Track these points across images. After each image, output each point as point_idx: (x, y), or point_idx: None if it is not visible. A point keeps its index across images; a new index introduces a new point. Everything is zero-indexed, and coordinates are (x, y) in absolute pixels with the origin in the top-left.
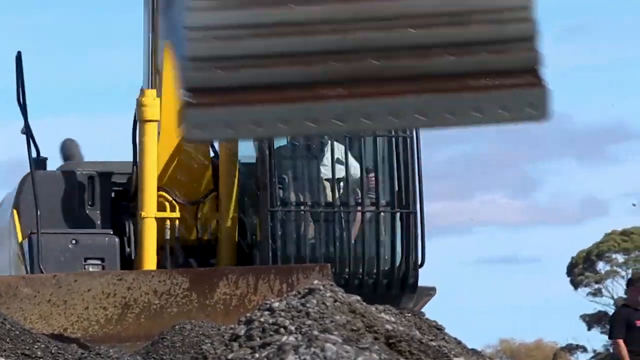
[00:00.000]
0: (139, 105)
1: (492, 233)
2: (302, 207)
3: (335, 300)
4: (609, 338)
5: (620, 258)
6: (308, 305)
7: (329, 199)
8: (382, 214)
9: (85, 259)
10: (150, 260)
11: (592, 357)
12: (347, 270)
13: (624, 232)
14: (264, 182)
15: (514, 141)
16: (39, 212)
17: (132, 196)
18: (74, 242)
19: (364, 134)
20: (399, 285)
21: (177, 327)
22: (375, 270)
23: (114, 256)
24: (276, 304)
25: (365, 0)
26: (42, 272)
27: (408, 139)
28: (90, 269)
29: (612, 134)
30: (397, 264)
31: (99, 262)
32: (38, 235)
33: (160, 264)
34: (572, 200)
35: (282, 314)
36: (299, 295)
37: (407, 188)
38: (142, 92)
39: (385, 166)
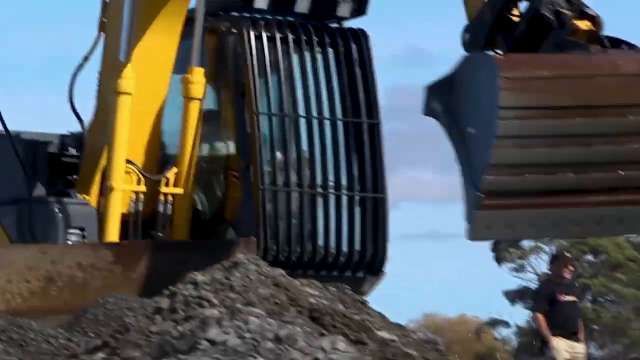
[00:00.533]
0: (116, 77)
1: (417, 209)
2: (287, 187)
3: (260, 274)
4: (531, 311)
5: None
6: (232, 278)
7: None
8: (351, 197)
9: (67, 228)
10: (113, 232)
11: (515, 332)
12: (319, 251)
13: None
14: (252, 160)
15: None
16: (30, 181)
17: (80, 166)
18: (56, 210)
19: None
20: (367, 268)
21: (100, 300)
22: (347, 253)
23: (93, 226)
24: (200, 278)
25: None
26: (34, 240)
27: (375, 125)
28: (73, 239)
29: None
30: (367, 247)
31: (79, 231)
32: (30, 204)
33: (122, 236)
34: None
35: (206, 287)
36: (223, 268)
37: (375, 173)
38: (121, 65)
39: (353, 151)
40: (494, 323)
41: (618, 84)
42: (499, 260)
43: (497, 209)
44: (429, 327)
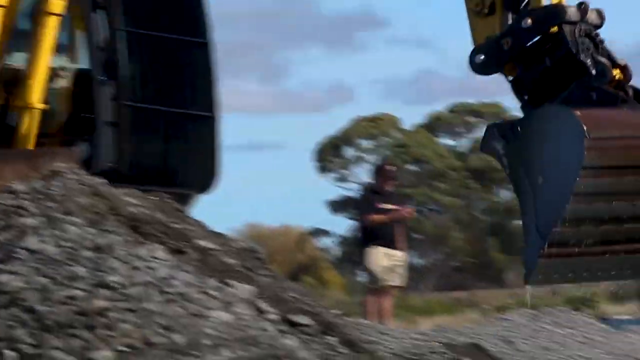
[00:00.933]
0: None
1: (239, 120)
2: (141, 103)
3: (80, 183)
4: (358, 216)
5: (366, 144)
6: (51, 188)
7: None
8: (185, 115)
9: None
10: None
11: (337, 242)
12: (156, 166)
13: (371, 119)
14: (111, 76)
15: (262, 28)
16: None
17: None
18: None
19: None
20: (196, 186)
21: None
22: (180, 170)
23: None
24: (19, 187)
25: None
26: None
27: (206, 44)
28: None
29: (360, 21)
30: (199, 165)
31: None
32: None
33: None
34: (320, 87)
35: (25, 196)
36: (42, 178)
37: (207, 91)
38: None
39: (189, 69)
40: (316, 232)
41: None
42: (322, 170)
43: (552, 257)
44: (251, 236)
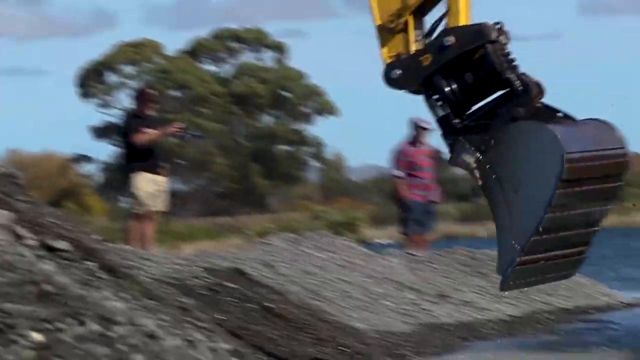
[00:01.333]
0: None
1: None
2: None
3: None
4: (121, 142)
5: (129, 70)
6: None
7: None
8: None
9: None
10: None
11: (99, 168)
12: None
13: (134, 44)
14: None
15: None
16: None
17: None
18: None
19: None
20: None
21: None
22: None
23: None
24: None
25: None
26: None
27: None
28: None
29: None
30: None
31: None
32: None
33: None
34: (82, 11)
35: None
36: None
37: None
38: None
39: None
40: (79, 159)
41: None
42: (84, 96)
43: (523, 264)
44: (13, 163)
